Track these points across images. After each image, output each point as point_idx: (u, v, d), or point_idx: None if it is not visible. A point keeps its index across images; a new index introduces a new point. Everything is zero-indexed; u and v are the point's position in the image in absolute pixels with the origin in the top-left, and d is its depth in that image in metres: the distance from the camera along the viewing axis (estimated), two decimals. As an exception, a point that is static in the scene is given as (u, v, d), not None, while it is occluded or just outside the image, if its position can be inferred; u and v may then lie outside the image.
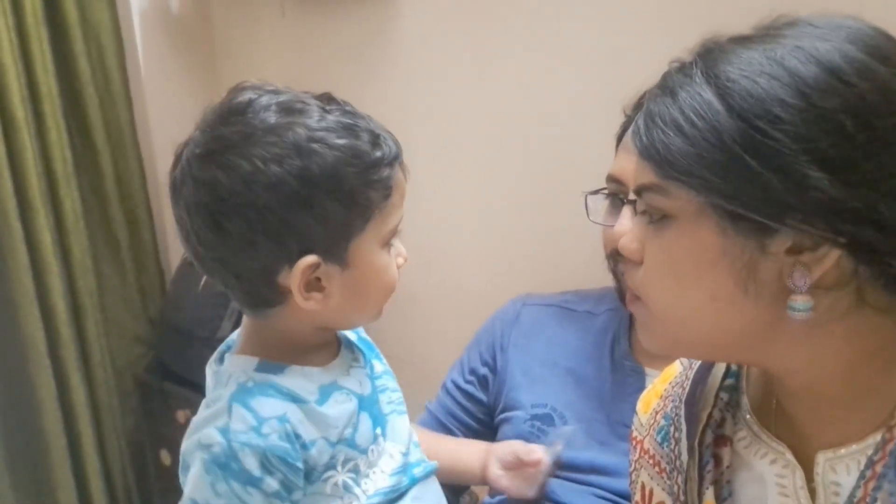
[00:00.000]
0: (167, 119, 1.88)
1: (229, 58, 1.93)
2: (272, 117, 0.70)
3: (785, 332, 0.57)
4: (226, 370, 0.77)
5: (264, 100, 0.71)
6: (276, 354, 0.77)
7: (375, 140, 0.73)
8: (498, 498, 1.06)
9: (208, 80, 1.93)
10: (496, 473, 1.00)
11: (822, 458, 0.59)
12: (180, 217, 0.73)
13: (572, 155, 1.38)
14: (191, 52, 1.91)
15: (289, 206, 0.69)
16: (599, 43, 1.30)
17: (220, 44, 1.93)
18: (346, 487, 0.76)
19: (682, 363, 0.77)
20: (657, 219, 0.59)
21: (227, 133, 0.70)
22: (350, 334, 0.86)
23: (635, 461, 0.77)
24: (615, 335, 1.08)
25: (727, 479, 0.65)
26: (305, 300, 0.73)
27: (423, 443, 0.89)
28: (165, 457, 1.89)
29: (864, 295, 0.56)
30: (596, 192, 1.03)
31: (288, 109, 0.71)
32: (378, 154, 0.72)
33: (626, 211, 0.95)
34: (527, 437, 1.03)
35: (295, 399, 0.74)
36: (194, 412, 1.77)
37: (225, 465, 0.70)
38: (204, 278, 0.79)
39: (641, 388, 1.01)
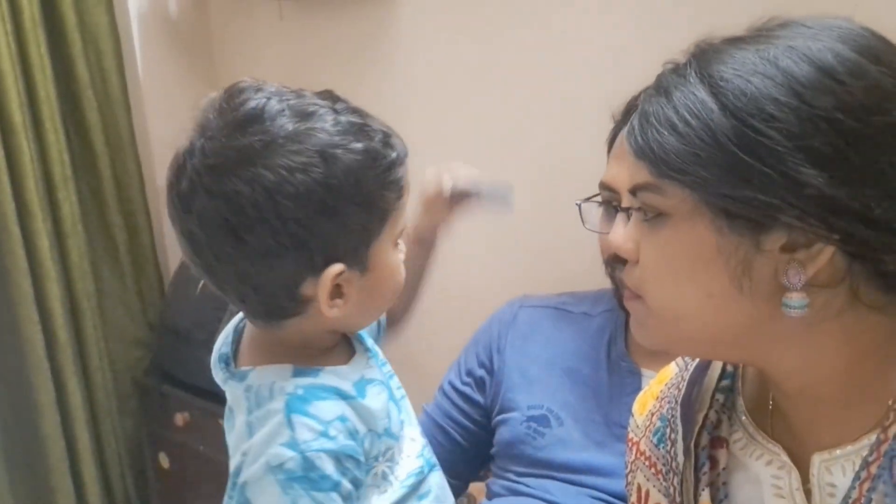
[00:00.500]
0: (166, 122, 1.88)
1: (228, 61, 1.93)
2: (290, 123, 0.68)
3: (780, 330, 0.57)
4: (261, 384, 0.74)
5: (275, 104, 0.69)
6: (304, 357, 0.75)
7: (387, 140, 0.72)
8: (496, 500, 1.06)
9: (207, 83, 1.94)
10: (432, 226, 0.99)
11: (817, 460, 0.60)
12: (190, 231, 0.70)
13: (571, 156, 1.38)
14: (189, 56, 1.92)
15: (314, 216, 0.67)
16: (599, 45, 1.31)
17: (219, 47, 1.94)
18: (384, 476, 0.76)
19: (677, 364, 0.77)
20: (652, 217, 0.59)
21: (245, 142, 0.67)
22: None
23: (631, 462, 0.77)
24: (612, 336, 1.08)
25: (723, 481, 0.65)
26: (330, 308, 0.71)
27: None
28: (164, 460, 1.89)
29: (859, 293, 0.56)
30: (588, 199, 1.03)
31: (302, 114, 0.69)
32: (393, 155, 0.72)
33: (620, 219, 0.95)
34: (523, 439, 1.03)
35: (344, 396, 0.73)
36: (193, 415, 1.77)
37: (303, 478, 0.68)
38: (202, 281, 0.77)
39: (638, 388, 1.01)
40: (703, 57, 0.58)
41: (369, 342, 0.85)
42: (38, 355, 1.69)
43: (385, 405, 0.77)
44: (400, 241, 0.78)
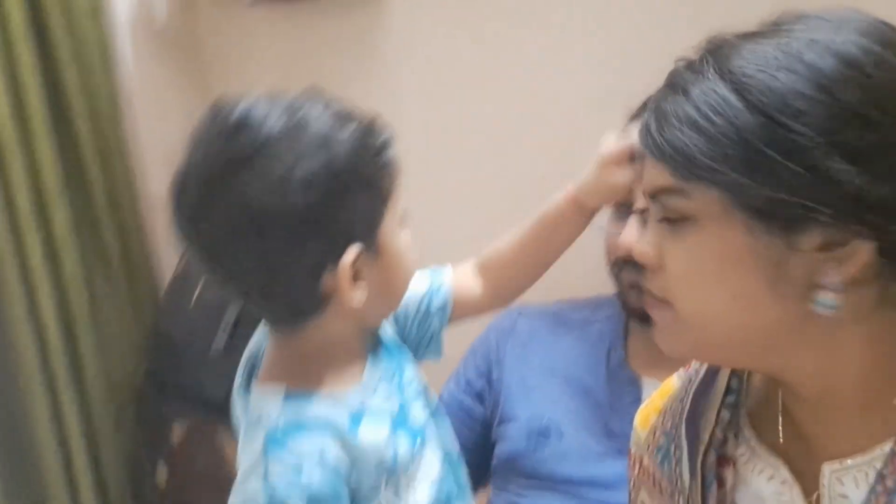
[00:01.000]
0: (157, 131, 1.86)
1: (219, 67, 1.91)
2: (280, 121, 0.70)
3: (808, 331, 0.56)
4: (254, 405, 0.75)
5: (261, 107, 0.71)
6: (303, 379, 0.75)
7: (373, 125, 0.74)
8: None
9: (198, 90, 1.92)
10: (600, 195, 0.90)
11: (827, 470, 0.58)
12: (205, 245, 0.72)
13: (570, 158, 1.35)
14: (179, 63, 1.90)
15: (325, 201, 0.69)
16: (596, 42, 1.30)
17: (209, 53, 1.92)
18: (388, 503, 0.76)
19: (679, 378, 0.76)
20: (676, 221, 0.57)
21: (240, 147, 0.69)
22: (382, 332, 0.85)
23: (635, 478, 0.76)
24: (611, 344, 1.07)
25: (731, 501, 0.64)
26: (353, 292, 0.72)
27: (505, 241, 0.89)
28: (162, 470, 1.87)
29: (888, 293, 0.55)
30: None
31: (290, 109, 0.71)
32: (383, 138, 0.74)
33: (634, 220, 0.94)
34: (523, 453, 1.02)
35: (330, 428, 0.72)
36: (191, 425, 1.77)
37: None
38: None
39: (638, 397, 1.00)
40: (720, 53, 0.56)
41: (401, 358, 0.84)
42: (31, 368, 1.67)
43: (381, 440, 0.75)
44: (402, 224, 0.79)
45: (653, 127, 0.57)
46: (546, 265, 0.93)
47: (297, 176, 0.68)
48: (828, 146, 0.50)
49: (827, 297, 0.53)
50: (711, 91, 0.54)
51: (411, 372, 0.84)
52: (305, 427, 0.71)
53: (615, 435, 0.99)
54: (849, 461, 0.58)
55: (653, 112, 0.58)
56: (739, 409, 0.67)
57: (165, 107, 1.85)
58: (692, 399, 0.70)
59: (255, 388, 0.77)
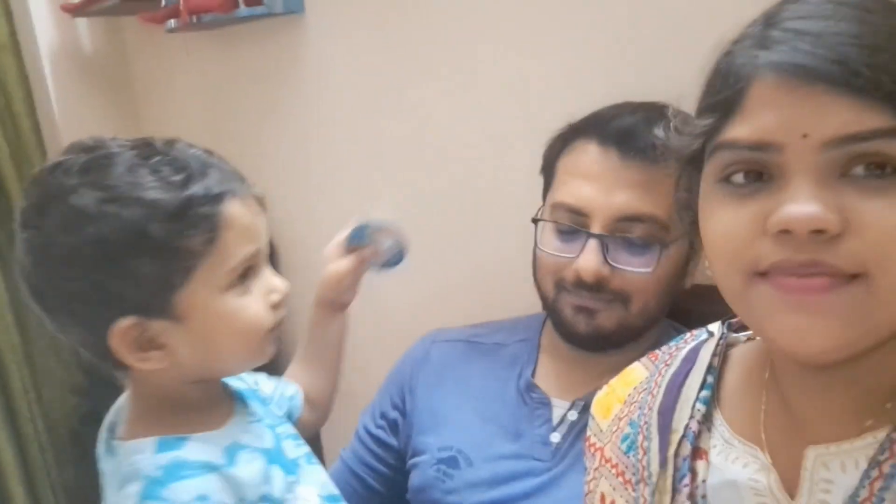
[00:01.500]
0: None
1: (146, 95, 1.89)
2: (70, 180, 0.67)
3: None
4: (124, 461, 0.72)
5: (71, 160, 0.68)
6: (171, 425, 0.72)
7: (187, 182, 0.68)
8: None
9: (128, 119, 1.90)
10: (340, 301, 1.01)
11: (812, 454, 0.56)
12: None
13: (491, 180, 1.34)
14: (107, 92, 1.88)
15: (91, 273, 0.66)
16: (522, 69, 1.26)
17: (138, 81, 1.90)
18: None
19: (647, 368, 0.73)
20: (888, 173, 0.48)
21: (29, 203, 0.69)
22: (238, 381, 0.82)
23: (594, 469, 0.72)
24: (523, 367, 1.04)
25: (702, 494, 0.62)
26: (142, 361, 0.69)
27: None
28: (107, 509, 1.83)
29: None
30: (543, 220, 0.97)
31: (86, 169, 0.68)
32: (185, 195, 0.67)
33: (593, 244, 0.90)
34: (432, 483, 0.99)
35: (209, 468, 0.70)
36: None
37: None
38: None
39: (549, 418, 0.98)
40: None
41: (255, 405, 0.82)
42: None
43: (258, 473, 0.73)
44: (267, 276, 0.75)
45: (856, 57, 0.48)
46: (337, 365, 1.01)
47: (56, 247, 0.67)
48: None
49: None
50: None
51: (279, 413, 0.84)
52: (184, 473, 0.69)
53: (524, 457, 0.96)
54: (833, 447, 0.55)
55: (798, 35, 0.49)
56: (714, 403, 0.65)
57: (94, 130, 1.82)
58: (665, 390, 0.67)
59: (122, 445, 0.74)
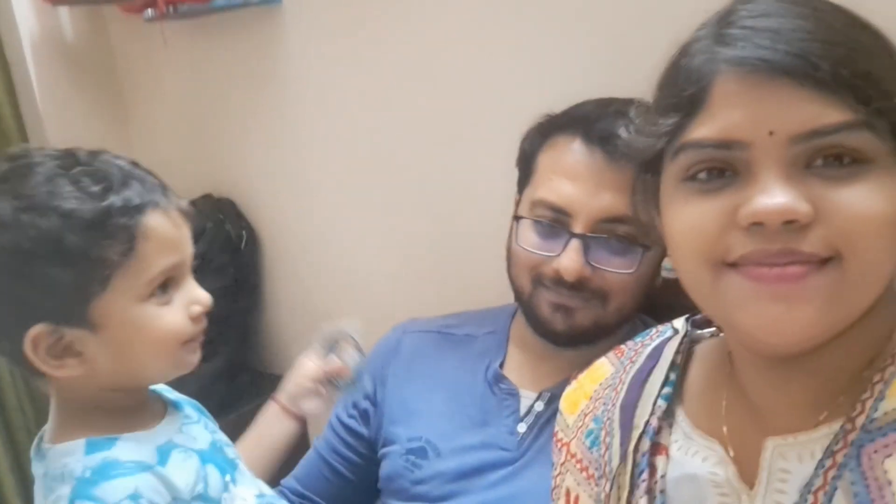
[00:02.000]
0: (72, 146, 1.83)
1: (130, 83, 1.88)
2: None
3: None
4: (53, 467, 0.71)
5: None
6: (100, 427, 0.72)
7: (106, 193, 0.68)
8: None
9: (112, 107, 1.89)
10: (297, 404, 1.06)
11: (771, 444, 0.57)
12: None
13: (472, 172, 1.35)
14: (91, 81, 1.87)
15: (5, 280, 0.67)
16: (503, 62, 1.26)
17: (122, 69, 1.89)
18: None
19: (612, 363, 0.74)
20: (846, 164, 0.50)
21: None
22: (169, 393, 0.83)
23: (560, 464, 0.74)
24: (491, 358, 1.05)
25: (661, 489, 0.63)
26: (57, 368, 0.69)
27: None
28: None
29: None
30: (525, 217, 0.96)
31: (5, 178, 0.68)
32: (103, 205, 0.68)
33: (575, 244, 0.90)
34: (401, 473, 1.01)
35: (142, 467, 0.70)
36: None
37: None
38: None
39: (516, 409, 0.99)
40: None
41: (190, 410, 0.83)
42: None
43: (192, 472, 0.74)
44: (189, 288, 0.75)
45: (814, 51, 0.49)
46: (268, 471, 1.04)
47: None
48: None
49: None
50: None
51: (209, 425, 0.83)
52: (114, 472, 0.69)
53: (491, 447, 0.98)
54: (791, 438, 0.56)
55: (756, 33, 0.50)
56: (676, 400, 0.66)
57: (78, 127, 1.82)
58: (628, 386, 0.68)
59: (51, 448, 0.73)
